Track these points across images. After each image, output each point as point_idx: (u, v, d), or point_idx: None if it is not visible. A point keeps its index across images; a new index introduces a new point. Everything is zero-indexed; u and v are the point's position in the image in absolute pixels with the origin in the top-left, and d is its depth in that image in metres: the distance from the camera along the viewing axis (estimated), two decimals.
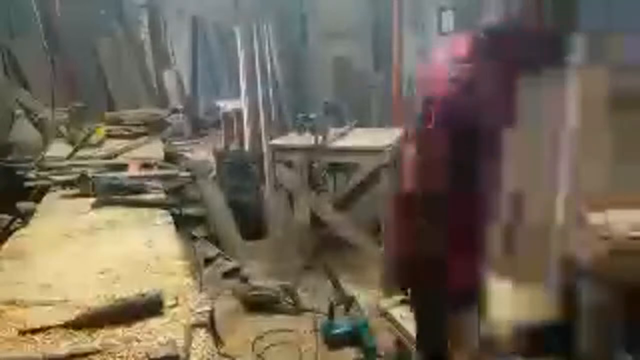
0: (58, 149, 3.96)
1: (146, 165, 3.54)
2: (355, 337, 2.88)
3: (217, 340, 1.62)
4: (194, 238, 3.63)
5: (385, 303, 2.97)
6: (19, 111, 4.30)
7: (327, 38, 5.19)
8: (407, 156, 1.68)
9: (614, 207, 1.48)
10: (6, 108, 4.21)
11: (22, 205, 2.99)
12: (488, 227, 1.45)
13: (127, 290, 1.63)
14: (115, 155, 3.79)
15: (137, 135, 4.46)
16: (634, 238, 1.42)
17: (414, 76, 4.95)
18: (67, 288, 1.72)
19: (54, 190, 3.10)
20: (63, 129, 4.40)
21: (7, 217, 2.94)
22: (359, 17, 5.15)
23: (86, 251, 2.10)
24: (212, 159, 4.41)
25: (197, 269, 3.16)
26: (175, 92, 6.06)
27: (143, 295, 1.58)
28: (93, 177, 3.03)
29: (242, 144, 5.17)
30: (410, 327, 2.65)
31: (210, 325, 1.54)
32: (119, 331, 1.46)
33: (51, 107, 4.82)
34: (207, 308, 1.58)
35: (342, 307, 3.19)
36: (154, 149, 4.09)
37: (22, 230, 2.45)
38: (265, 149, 3.92)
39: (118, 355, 1.36)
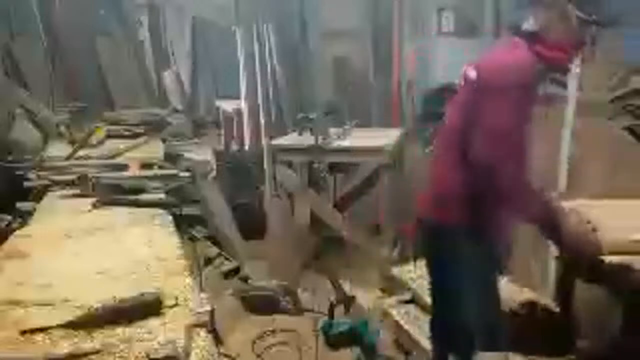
0: (58, 149, 3.96)
1: (146, 165, 3.54)
2: (355, 337, 2.87)
3: (217, 340, 1.62)
4: (194, 238, 3.62)
5: (385, 303, 2.97)
6: (19, 111, 4.30)
7: (327, 38, 5.18)
8: None
9: None
10: (6, 108, 4.20)
11: (22, 205, 2.99)
12: None
13: (127, 290, 1.63)
14: (115, 155, 3.80)
15: (137, 135, 4.46)
16: None
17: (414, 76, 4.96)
18: (67, 288, 1.72)
19: (54, 190, 3.10)
20: (63, 129, 4.40)
21: (7, 217, 2.93)
22: (359, 17, 5.14)
23: (86, 251, 2.10)
24: (212, 159, 4.40)
25: (197, 269, 3.15)
26: (175, 92, 6.04)
27: (142, 295, 1.58)
28: (93, 177, 3.02)
29: (242, 144, 5.17)
30: (410, 326, 2.66)
31: (210, 325, 1.54)
32: (119, 331, 1.46)
33: (51, 107, 4.82)
34: (207, 308, 1.58)
35: (342, 307, 3.18)
36: (153, 149, 4.10)
37: (22, 230, 2.45)
38: (265, 149, 3.91)
39: (118, 355, 1.36)
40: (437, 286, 2.03)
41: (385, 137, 3.72)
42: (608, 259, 1.80)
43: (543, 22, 1.73)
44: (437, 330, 2.15)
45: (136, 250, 2.08)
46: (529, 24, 1.75)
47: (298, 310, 3.27)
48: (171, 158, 3.96)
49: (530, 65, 1.72)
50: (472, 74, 1.77)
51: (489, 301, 1.93)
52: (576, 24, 1.70)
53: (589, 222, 1.87)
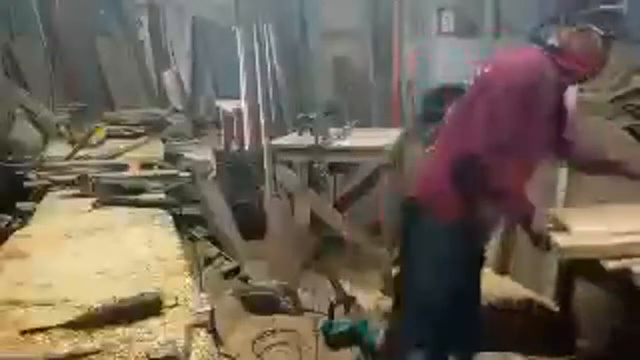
0: (58, 149, 3.96)
1: (146, 165, 3.54)
2: (355, 337, 2.87)
3: (217, 340, 1.62)
4: (194, 238, 3.62)
5: (385, 303, 2.97)
6: (19, 111, 4.30)
7: (327, 38, 5.19)
8: None
9: None
10: (6, 108, 4.20)
11: (22, 205, 2.99)
12: None
13: (127, 290, 1.63)
14: (115, 155, 3.79)
15: (137, 135, 4.46)
16: None
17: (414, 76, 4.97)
18: (67, 288, 1.72)
19: (54, 190, 3.10)
20: (63, 129, 4.40)
21: (7, 217, 2.93)
22: (359, 17, 5.15)
23: (86, 251, 2.10)
24: (212, 159, 4.41)
25: (197, 269, 3.15)
26: (175, 92, 6.04)
27: (143, 295, 1.58)
28: (93, 177, 3.02)
29: (242, 144, 5.17)
30: None
31: (210, 325, 1.53)
32: (119, 331, 1.46)
33: (51, 107, 4.82)
34: (207, 308, 1.58)
35: (342, 307, 3.18)
36: (153, 149, 4.09)
37: (22, 230, 2.45)
38: (265, 149, 3.91)
39: (118, 355, 1.36)
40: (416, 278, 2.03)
41: (385, 137, 3.72)
42: (608, 263, 1.80)
43: (564, 37, 1.77)
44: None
45: (136, 250, 2.08)
46: (553, 40, 1.80)
47: (298, 310, 3.27)
48: (171, 158, 3.95)
49: (539, 66, 1.72)
50: (482, 72, 1.82)
51: (472, 295, 2.00)
52: (596, 39, 1.73)
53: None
